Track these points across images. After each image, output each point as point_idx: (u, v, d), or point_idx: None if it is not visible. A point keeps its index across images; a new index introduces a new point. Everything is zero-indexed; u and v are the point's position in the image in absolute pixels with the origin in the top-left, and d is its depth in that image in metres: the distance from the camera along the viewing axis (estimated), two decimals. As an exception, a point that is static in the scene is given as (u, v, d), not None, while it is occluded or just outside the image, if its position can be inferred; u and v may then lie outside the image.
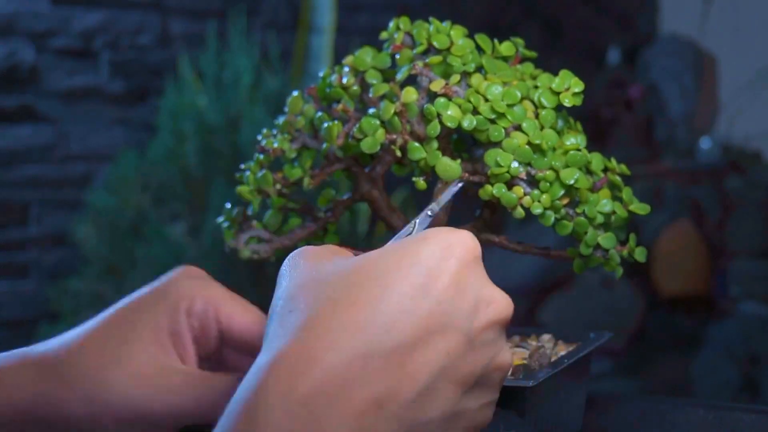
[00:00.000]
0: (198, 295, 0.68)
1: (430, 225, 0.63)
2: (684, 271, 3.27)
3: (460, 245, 0.52)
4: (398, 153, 0.72)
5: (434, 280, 0.51)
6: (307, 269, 0.53)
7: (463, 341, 0.51)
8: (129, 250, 2.25)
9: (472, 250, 0.53)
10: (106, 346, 0.64)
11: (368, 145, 0.72)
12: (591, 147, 0.72)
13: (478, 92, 0.69)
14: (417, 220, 0.63)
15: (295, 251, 0.56)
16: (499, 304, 0.53)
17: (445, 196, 0.67)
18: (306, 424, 0.47)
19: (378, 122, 0.72)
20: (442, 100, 0.69)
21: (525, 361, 0.72)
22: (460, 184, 0.68)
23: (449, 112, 0.69)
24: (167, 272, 0.71)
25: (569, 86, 0.71)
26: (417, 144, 0.71)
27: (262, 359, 0.50)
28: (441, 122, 0.69)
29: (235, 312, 0.67)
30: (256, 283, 2.23)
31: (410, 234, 0.62)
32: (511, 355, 0.54)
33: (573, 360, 0.72)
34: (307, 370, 0.48)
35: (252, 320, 0.68)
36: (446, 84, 0.69)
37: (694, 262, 3.29)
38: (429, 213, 0.64)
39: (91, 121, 2.61)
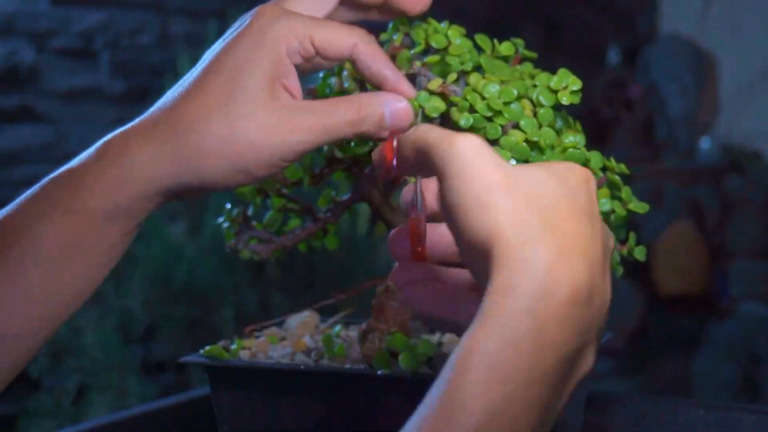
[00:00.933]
0: (291, 33, 0.65)
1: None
2: (684, 270, 3.27)
3: (586, 172, 0.56)
4: (398, 153, 0.72)
5: (590, 196, 0.55)
6: (497, 170, 0.54)
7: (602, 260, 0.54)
8: (129, 249, 2.25)
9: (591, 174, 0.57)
10: (220, 106, 0.65)
11: (368, 145, 0.72)
12: (591, 147, 0.72)
13: (475, 90, 0.69)
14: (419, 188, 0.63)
15: (461, 139, 0.55)
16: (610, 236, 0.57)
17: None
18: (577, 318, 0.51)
19: None
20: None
21: None
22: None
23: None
24: (240, 21, 0.69)
25: (567, 84, 0.71)
26: None
27: (505, 300, 0.51)
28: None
29: (329, 36, 0.66)
30: (256, 283, 2.23)
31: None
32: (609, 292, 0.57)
33: None
34: (568, 275, 0.51)
35: (341, 38, 0.66)
36: (443, 83, 0.69)
37: (694, 261, 3.29)
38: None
39: (91, 121, 2.61)
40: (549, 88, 0.71)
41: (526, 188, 0.53)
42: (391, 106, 0.65)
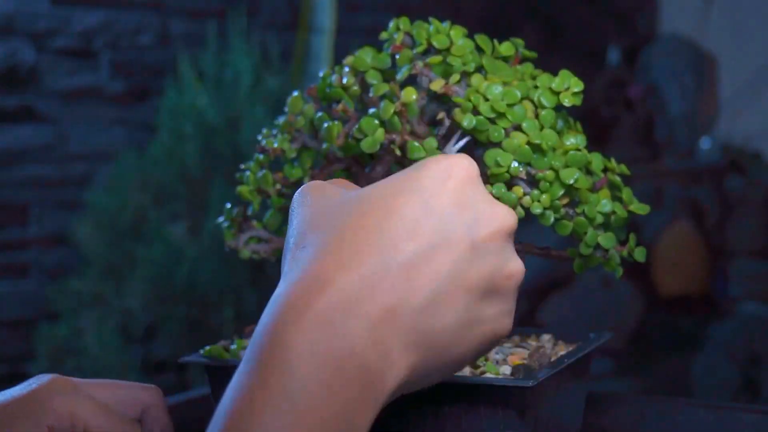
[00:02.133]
0: (65, 411, 0.68)
1: None
2: (684, 271, 3.27)
3: (458, 166, 0.56)
4: (398, 152, 0.72)
5: (435, 199, 0.55)
6: (316, 204, 0.57)
7: (466, 250, 0.54)
8: (129, 250, 2.25)
9: (469, 169, 0.56)
10: None
11: (368, 145, 0.72)
12: (591, 147, 0.72)
13: (478, 92, 0.69)
14: None
15: (302, 187, 0.59)
16: (501, 215, 0.56)
17: (448, 149, 0.68)
18: (325, 338, 0.51)
19: (378, 122, 0.72)
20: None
21: (525, 361, 0.72)
22: (464, 140, 0.69)
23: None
24: (32, 381, 0.69)
25: (569, 86, 0.71)
26: (417, 143, 0.71)
27: (278, 290, 0.54)
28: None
29: (103, 425, 0.69)
30: (255, 283, 2.23)
31: None
32: (521, 264, 0.57)
33: (573, 360, 0.72)
34: (322, 290, 0.52)
35: (121, 429, 0.69)
36: (446, 83, 0.69)
37: (694, 262, 3.29)
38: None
39: (91, 121, 2.61)
40: (551, 89, 0.71)
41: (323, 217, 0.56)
42: None
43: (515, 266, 0.57)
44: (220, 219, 0.79)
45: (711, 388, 2.91)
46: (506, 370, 0.70)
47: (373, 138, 0.72)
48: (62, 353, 2.23)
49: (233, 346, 0.78)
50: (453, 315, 0.54)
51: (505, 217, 0.56)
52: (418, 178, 0.55)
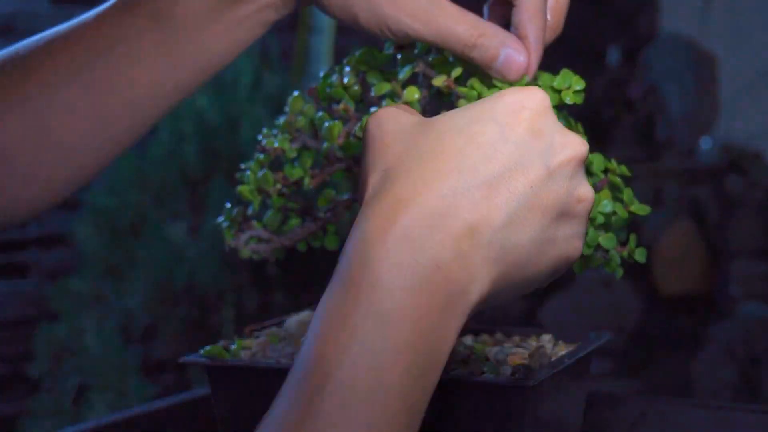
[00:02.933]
0: None
1: None
2: (684, 271, 3.27)
3: (531, 97, 0.58)
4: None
5: (511, 128, 0.57)
6: (391, 129, 0.59)
7: (542, 174, 0.57)
8: (129, 250, 2.25)
9: (543, 100, 0.58)
10: None
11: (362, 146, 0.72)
12: (591, 147, 0.72)
13: (482, 83, 0.69)
14: None
15: (375, 113, 0.60)
16: (573, 143, 0.58)
17: None
18: (410, 253, 0.54)
19: None
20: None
21: (525, 361, 0.72)
22: None
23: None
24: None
25: (570, 84, 0.71)
26: None
27: (361, 214, 0.56)
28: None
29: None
30: (256, 283, 2.23)
31: None
32: (591, 190, 0.59)
33: (573, 360, 0.72)
34: (405, 208, 0.55)
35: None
36: (448, 78, 0.69)
37: (694, 262, 3.29)
38: None
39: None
40: (552, 88, 0.71)
41: (410, 139, 0.58)
42: (510, 54, 0.67)
43: (586, 191, 0.59)
44: (220, 219, 0.79)
45: (711, 388, 2.91)
46: (507, 370, 0.70)
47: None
48: (62, 353, 2.23)
49: (233, 346, 0.78)
50: (530, 234, 0.57)
51: (578, 146, 0.58)
52: (493, 109, 0.57)
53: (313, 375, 0.52)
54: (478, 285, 0.55)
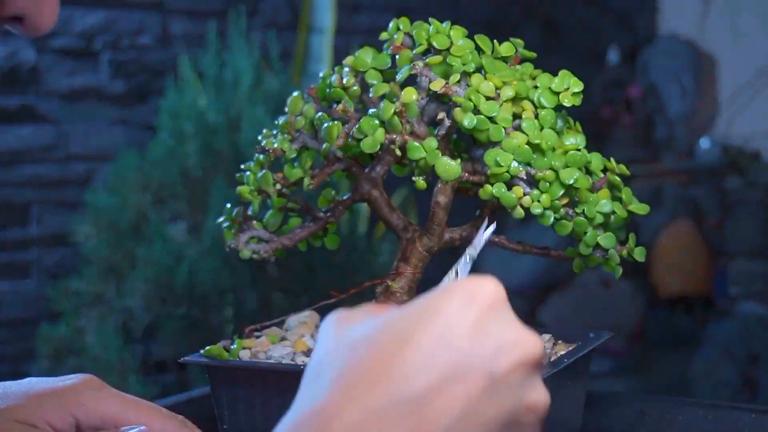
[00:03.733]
0: (94, 407, 0.72)
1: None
2: (683, 271, 3.27)
3: (481, 292, 0.53)
4: (398, 153, 0.72)
5: (453, 330, 0.52)
6: (337, 334, 0.55)
7: (484, 384, 0.51)
8: (129, 250, 2.25)
9: (494, 294, 0.53)
10: None
11: (368, 145, 0.72)
12: (591, 147, 0.72)
13: (478, 91, 0.69)
14: (458, 268, 0.62)
15: (330, 315, 0.56)
16: (525, 343, 0.52)
17: (479, 239, 0.64)
18: None
19: (378, 122, 0.72)
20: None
21: None
22: (492, 227, 0.65)
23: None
24: (69, 377, 0.75)
25: (569, 86, 0.71)
26: (417, 143, 0.71)
27: (286, 420, 0.52)
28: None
29: (132, 418, 0.72)
30: (255, 283, 2.23)
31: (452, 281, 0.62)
32: (545, 395, 0.53)
33: (572, 360, 0.72)
34: (327, 423, 0.50)
35: (152, 421, 0.72)
36: (446, 83, 0.70)
37: (693, 262, 3.29)
38: (468, 260, 0.63)
39: (92, 121, 2.61)
40: (550, 89, 0.71)
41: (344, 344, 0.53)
42: None
43: (538, 397, 0.53)
44: (221, 219, 0.79)
45: (710, 387, 2.91)
46: None
47: (374, 138, 0.72)
48: (63, 353, 2.23)
49: (233, 346, 0.78)
50: None
51: (530, 346, 0.52)
52: (439, 305, 0.52)
53: None
54: None
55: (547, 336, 0.79)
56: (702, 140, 3.57)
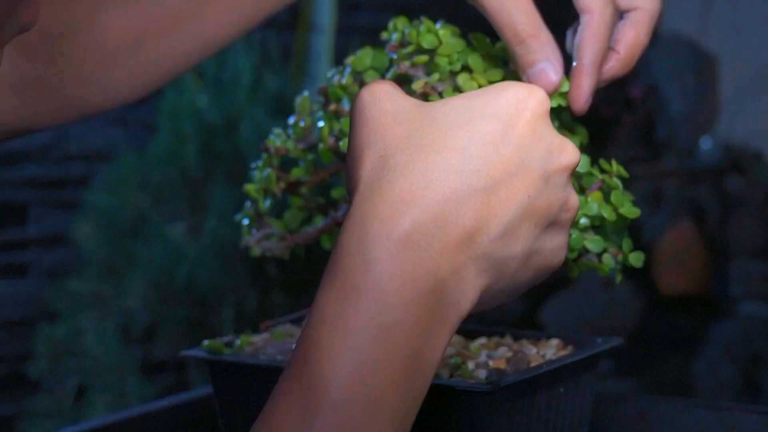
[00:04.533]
0: None
1: None
2: (684, 271, 3.27)
3: (533, 97, 0.57)
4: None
5: (513, 128, 0.56)
6: (390, 109, 0.57)
7: (539, 182, 0.56)
8: (128, 250, 2.25)
9: (544, 101, 0.57)
10: None
11: (346, 145, 0.72)
12: (591, 147, 0.72)
13: (461, 91, 0.69)
14: None
15: (369, 87, 0.58)
16: (570, 150, 0.58)
17: None
18: (410, 259, 0.52)
19: None
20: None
21: (504, 366, 0.71)
22: None
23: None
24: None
25: (569, 88, 0.71)
26: None
27: (360, 208, 0.54)
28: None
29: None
30: (256, 283, 2.23)
31: None
32: (578, 198, 0.59)
33: (551, 367, 0.71)
34: (408, 210, 0.53)
35: None
36: (426, 83, 0.69)
37: (694, 262, 3.29)
38: None
39: (91, 121, 2.60)
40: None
41: (404, 125, 0.56)
42: (547, 69, 0.68)
43: (574, 200, 0.59)
44: (238, 216, 0.79)
45: (711, 388, 2.91)
46: (481, 374, 0.69)
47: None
48: (62, 353, 2.23)
49: (237, 342, 0.78)
50: (522, 244, 0.56)
51: (573, 153, 0.58)
52: (496, 105, 0.56)
53: (308, 388, 0.52)
54: (469, 297, 0.55)
55: (555, 341, 0.79)
56: (703, 140, 3.57)
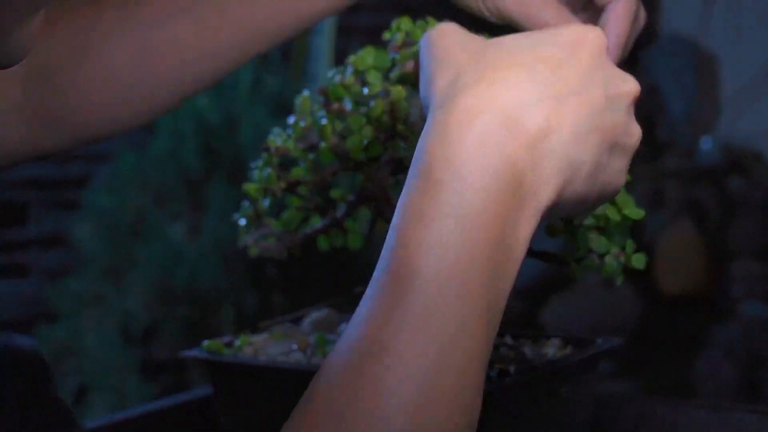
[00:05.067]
0: None
1: None
2: (685, 271, 3.26)
3: (591, 34, 0.60)
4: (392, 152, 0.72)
5: (575, 55, 0.59)
6: (457, 39, 0.60)
7: (603, 100, 0.59)
8: (129, 250, 2.25)
9: (600, 38, 0.60)
10: None
11: (353, 143, 0.72)
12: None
13: None
14: None
15: (437, 28, 0.61)
16: (630, 80, 0.61)
17: None
18: (489, 153, 0.55)
19: (365, 119, 0.72)
20: None
21: (502, 366, 0.71)
22: None
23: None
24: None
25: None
26: (403, 144, 0.71)
27: (437, 116, 0.57)
28: None
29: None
30: (256, 283, 2.23)
31: None
32: (639, 129, 0.62)
33: (543, 370, 0.71)
34: (481, 113, 0.56)
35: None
36: (414, 63, 0.69)
37: (695, 262, 3.29)
38: None
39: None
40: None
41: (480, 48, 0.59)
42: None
43: (637, 128, 0.62)
44: (235, 215, 0.79)
45: (712, 388, 2.91)
46: None
47: (360, 136, 0.72)
48: (62, 353, 2.23)
49: (237, 342, 0.78)
50: (590, 153, 0.58)
51: (633, 83, 0.61)
52: (558, 37, 0.60)
53: (398, 278, 0.53)
54: (548, 190, 0.56)
55: (555, 341, 0.78)
56: (703, 140, 3.57)
